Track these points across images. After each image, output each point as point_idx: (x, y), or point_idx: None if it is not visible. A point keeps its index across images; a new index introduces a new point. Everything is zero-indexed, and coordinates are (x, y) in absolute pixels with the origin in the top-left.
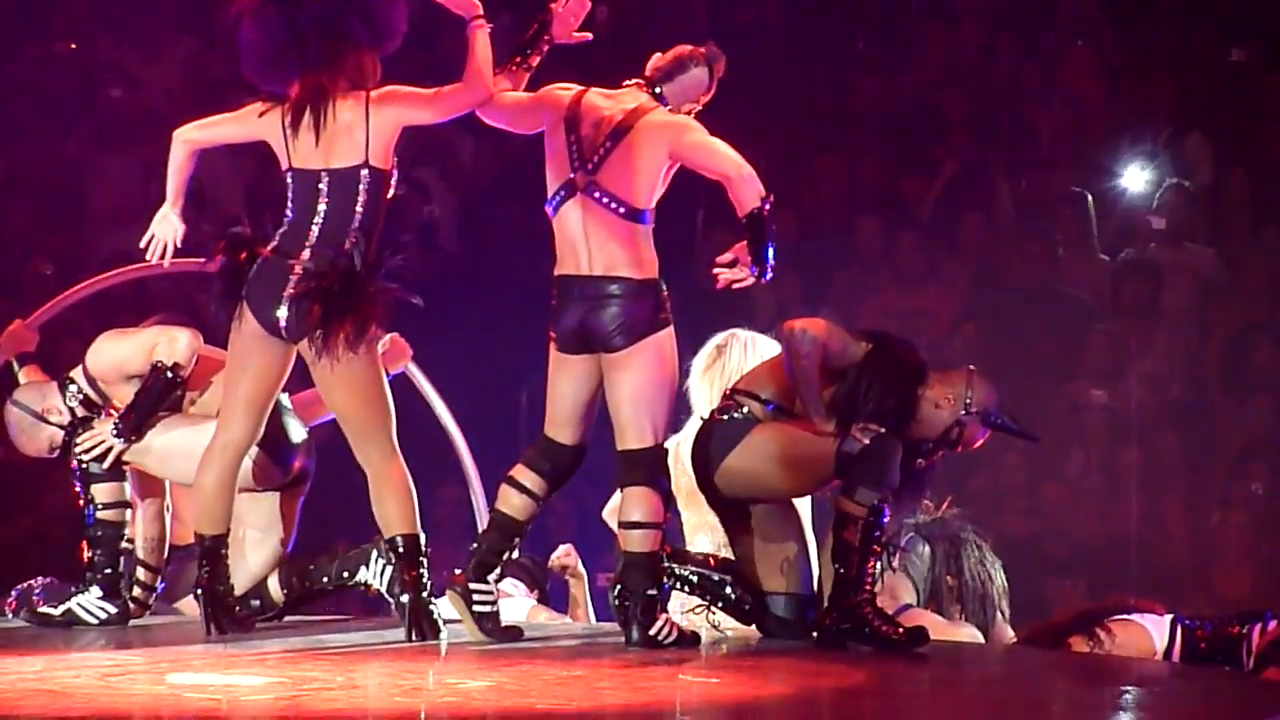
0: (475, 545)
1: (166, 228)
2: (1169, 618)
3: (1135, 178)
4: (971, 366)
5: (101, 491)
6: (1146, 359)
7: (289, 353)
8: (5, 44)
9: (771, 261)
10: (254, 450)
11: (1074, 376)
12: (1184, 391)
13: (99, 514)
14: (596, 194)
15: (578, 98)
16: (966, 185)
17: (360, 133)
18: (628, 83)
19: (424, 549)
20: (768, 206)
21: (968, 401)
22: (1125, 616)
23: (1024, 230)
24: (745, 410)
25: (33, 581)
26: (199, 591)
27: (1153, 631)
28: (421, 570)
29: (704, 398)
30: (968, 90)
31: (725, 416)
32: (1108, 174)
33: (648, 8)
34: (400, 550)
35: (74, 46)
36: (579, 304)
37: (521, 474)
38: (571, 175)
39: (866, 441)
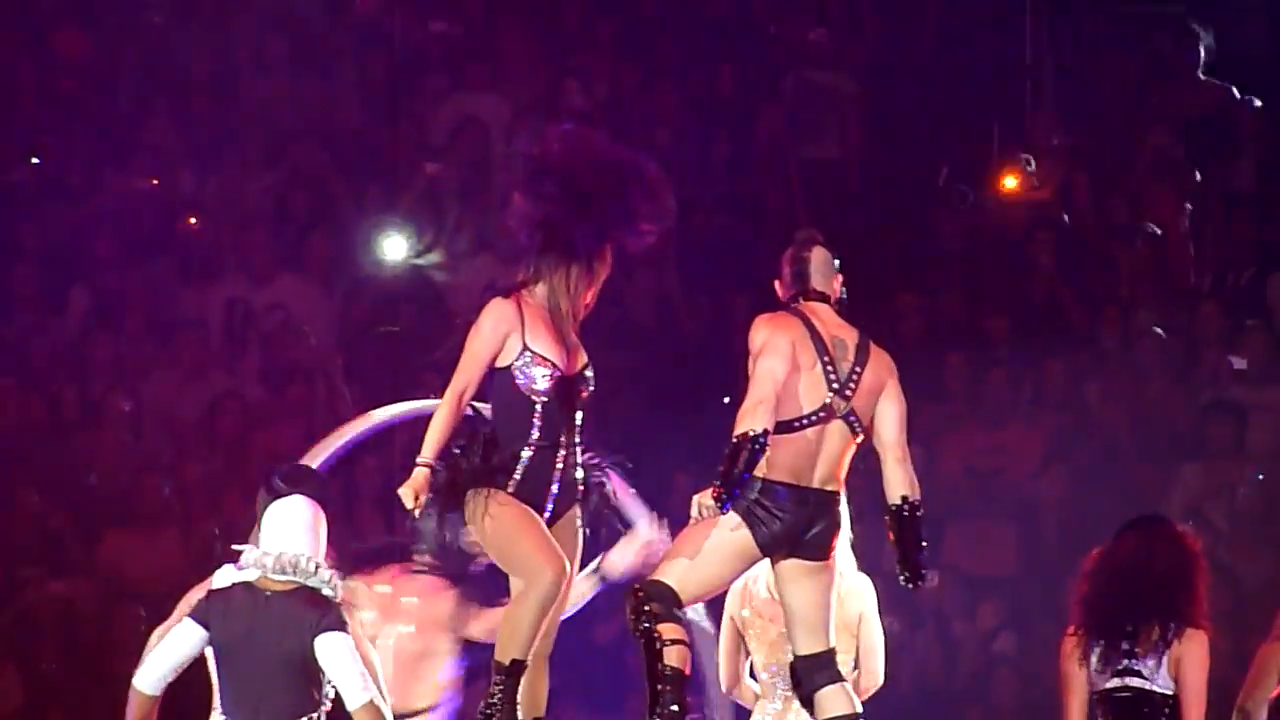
0: None
1: None
2: None
3: (1213, 316)
4: None
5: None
6: (1233, 497)
7: None
8: (91, 177)
9: (920, 563)
10: None
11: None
12: (1267, 527)
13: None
14: (851, 418)
15: (805, 318)
16: (1050, 322)
17: None
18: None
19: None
20: (920, 512)
21: None
22: None
23: (1107, 368)
24: None
25: None
26: None
27: None
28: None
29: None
30: (1052, 227)
31: None
32: (1188, 312)
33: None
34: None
35: (155, 182)
36: (802, 511)
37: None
38: (829, 400)
39: None
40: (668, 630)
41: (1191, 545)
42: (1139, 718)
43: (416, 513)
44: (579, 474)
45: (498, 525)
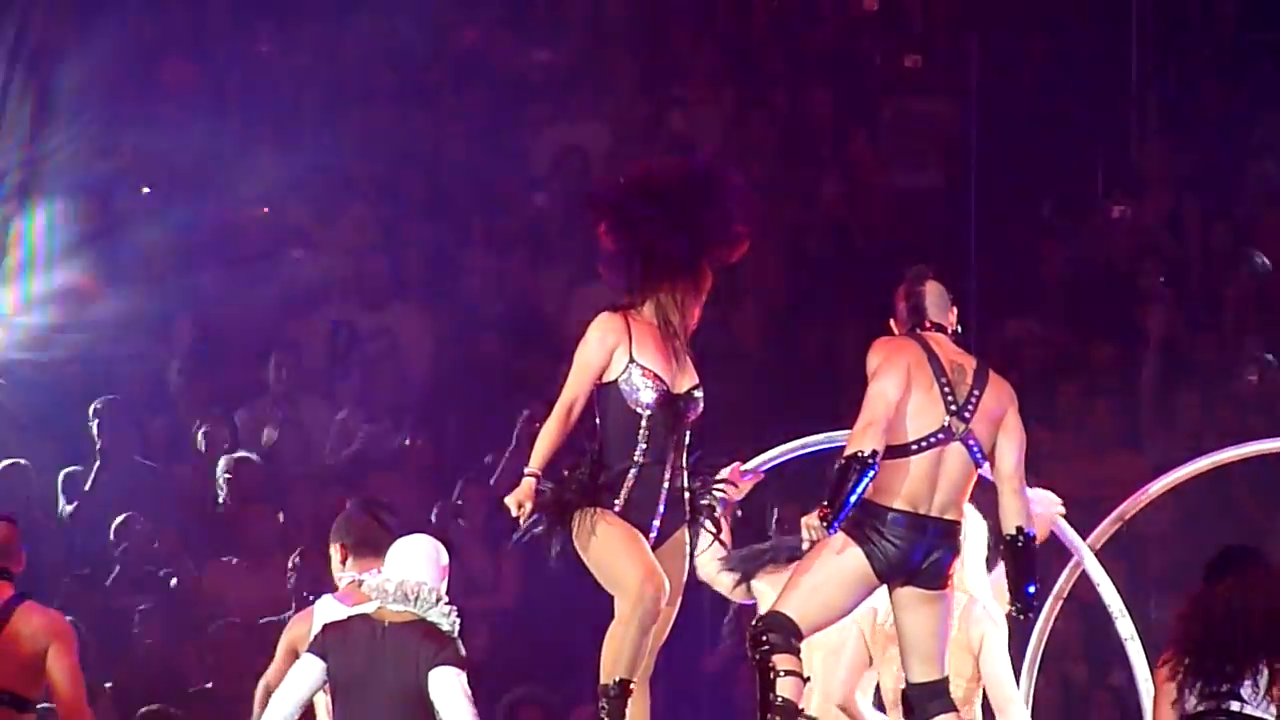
0: None
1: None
2: None
3: None
4: None
5: None
6: None
7: None
8: (197, 206)
9: (1031, 594)
10: None
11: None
12: None
13: None
14: (970, 442)
15: (923, 341)
16: (1157, 350)
17: None
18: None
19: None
20: (1035, 543)
21: None
22: None
23: (1211, 396)
24: None
25: None
26: None
27: None
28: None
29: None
30: (1159, 255)
31: None
32: None
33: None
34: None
35: (266, 211)
36: (922, 541)
37: None
38: (947, 421)
39: None
40: (783, 661)
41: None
42: None
43: (521, 521)
44: (687, 495)
45: (601, 544)
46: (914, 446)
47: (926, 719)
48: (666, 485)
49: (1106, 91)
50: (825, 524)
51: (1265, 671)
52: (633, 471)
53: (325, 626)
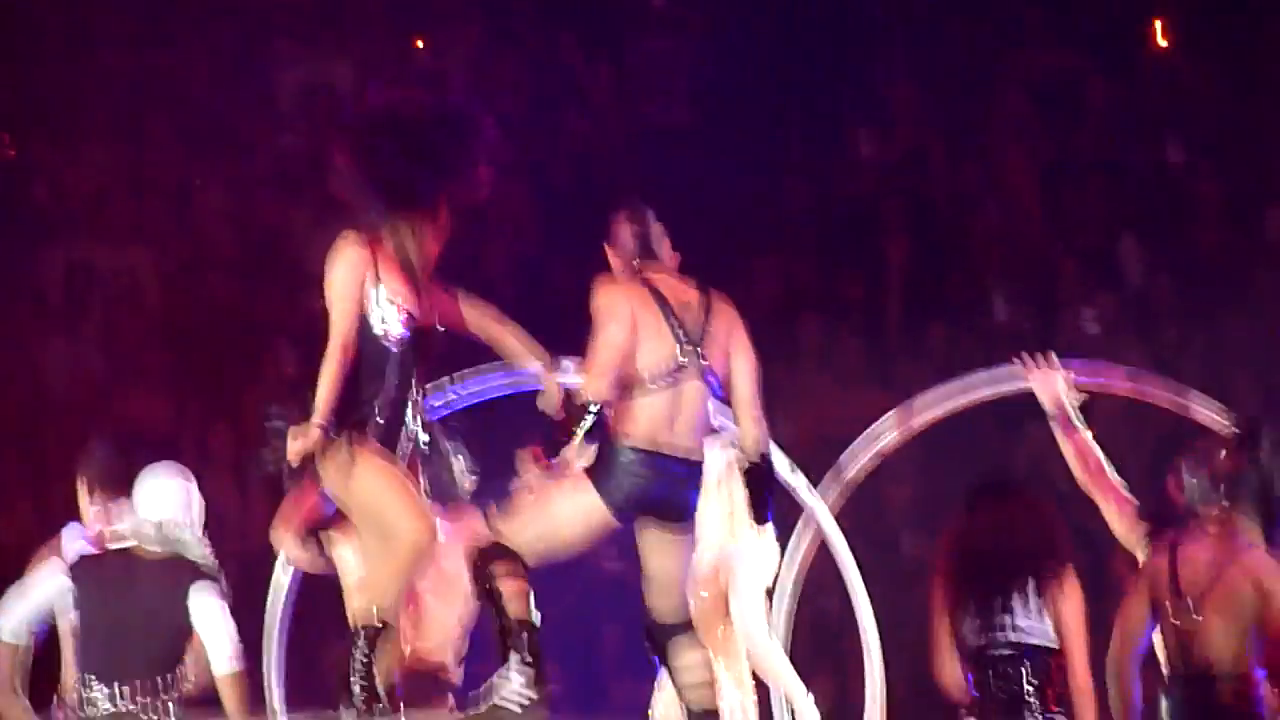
0: None
1: None
2: None
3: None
4: None
5: None
6: None
7: None
8: None
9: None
10: None
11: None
12: None
13: None
14: (709, 377)
15: (646, 281)
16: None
17: None
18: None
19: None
20: (772, 468)
21: None
22: None
23: (958, 331)
24: None
25: None
26: None
27: None
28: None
29: (716, 516)
30: (905, 192)
31: None
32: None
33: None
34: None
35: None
36: (660, 478)
37: None
38: (681, 358)
39: None
40: (509, 585)
41: (1048, 510)
42: (1020, 673)
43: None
44: (426, 434)
45: (364, 482)
46: (650, 385)
47: (673, 658)
48: (411, 421)
49: (851, 29)
50: (539, 464)
51: (1032, 585)
52: (379, 405)
53: (81, 559)
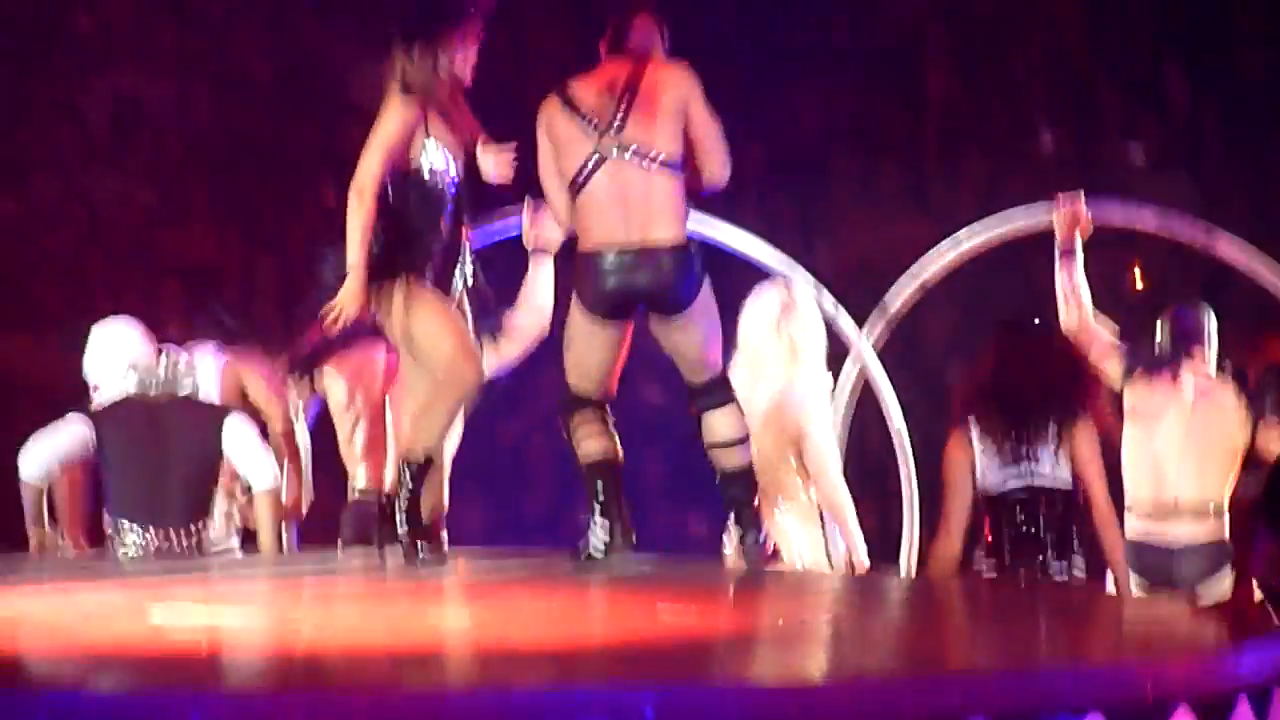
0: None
1: None
2: None
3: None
4: None
5: None
6: None
7: None
8: None
9: None
10: None
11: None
12: None
13: None
14: (634, 152)
15: (561, 90)
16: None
17: None
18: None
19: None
20: None
21: None
22: None
23: (999, 160)
24: None
25: None
26: None
27: None
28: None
29: (776, 356)
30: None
31: None
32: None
33: None
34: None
35: None
36: (629, 272)
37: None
38: (594, 148)
39: None
40: (587, 430)
41: (1073, 352)
42: (1038, 515)
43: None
44: (469, 276)
45: (423, 320)
46: (576, 182)
47: (704, 409)
48: (462, 264)
49: None
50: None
51: (1053, 429)
52: (435, 248)
53: (101, 409)
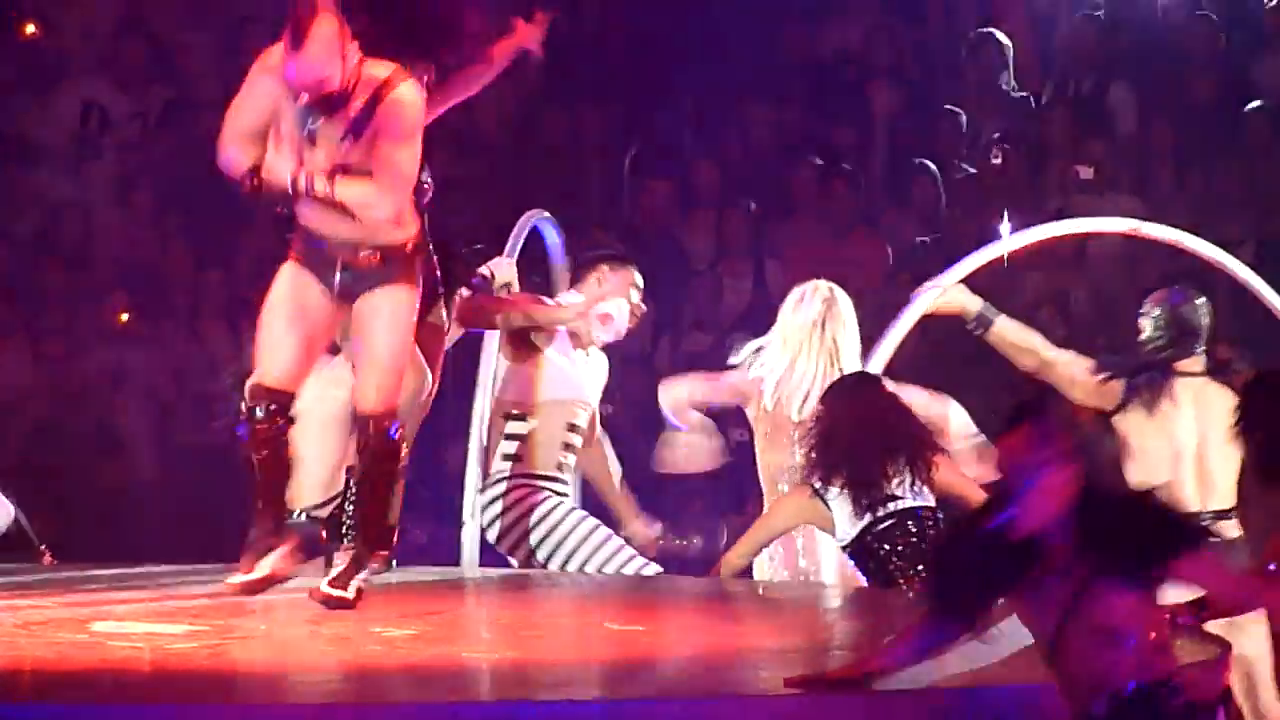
0: None
1: None
2: None
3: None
4: None
5: None
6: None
7: None
8: None
9: None
10: None
11: None
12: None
13: None
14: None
15: None
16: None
17: None
18: None
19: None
20: None
21: None
22: None
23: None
24: None
25: None
26: None
27: None
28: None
29: (815, 354)
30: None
31: None
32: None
33: None
34: None
35: None
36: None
37: None
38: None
39: None
40: None
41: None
42: (911, 530)
43: None
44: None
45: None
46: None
47: None
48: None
49: None
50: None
51: (907, 468)
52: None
53: None
